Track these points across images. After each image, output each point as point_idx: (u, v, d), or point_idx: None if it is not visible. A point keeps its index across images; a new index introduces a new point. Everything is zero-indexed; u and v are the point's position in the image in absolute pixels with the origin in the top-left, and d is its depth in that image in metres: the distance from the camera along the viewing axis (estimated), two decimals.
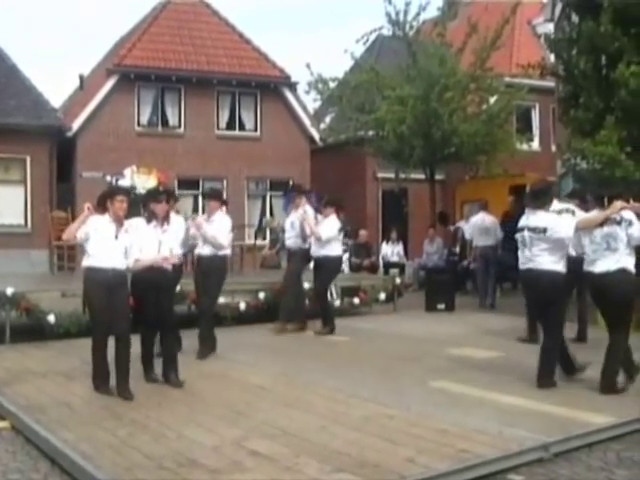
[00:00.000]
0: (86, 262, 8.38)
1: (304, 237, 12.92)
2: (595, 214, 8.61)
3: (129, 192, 9.04)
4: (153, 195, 9.55)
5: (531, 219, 8.59)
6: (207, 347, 10.55)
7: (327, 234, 12.64)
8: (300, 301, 13.24)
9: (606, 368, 8.45)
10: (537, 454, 6.28)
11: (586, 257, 8.56)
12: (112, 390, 8.22)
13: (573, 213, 11.12)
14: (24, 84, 26.16)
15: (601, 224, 8.41)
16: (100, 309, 8.31)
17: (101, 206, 8.42)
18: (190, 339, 10.45)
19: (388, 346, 11.73)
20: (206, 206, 11.06)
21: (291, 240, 13.27)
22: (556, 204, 11.21)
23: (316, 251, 12.87)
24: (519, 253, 8.76)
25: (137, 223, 8.84)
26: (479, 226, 17.29)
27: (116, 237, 8.29)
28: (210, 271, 10.72)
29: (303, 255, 13.17)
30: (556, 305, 8.68)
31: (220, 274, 10.92)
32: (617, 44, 13.88)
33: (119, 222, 8.37)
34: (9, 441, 6.92)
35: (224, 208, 11.18)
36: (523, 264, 8.69)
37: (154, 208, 9.02)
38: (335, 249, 12.93)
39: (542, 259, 8.46)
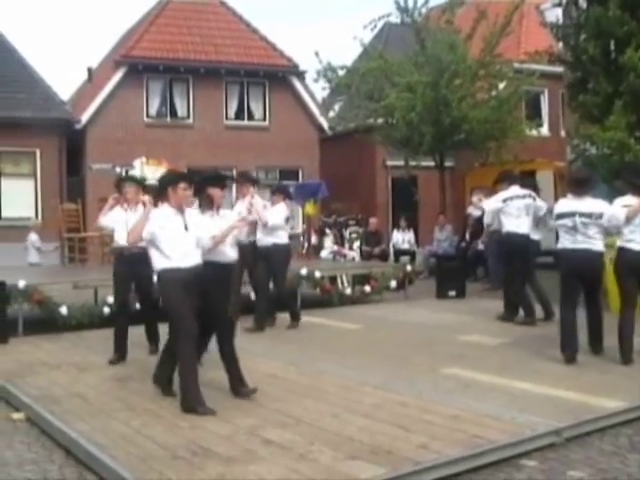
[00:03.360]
0: (162, 264, 7.28)
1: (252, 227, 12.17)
2: (636, 201, 8.99)
3: (193, 178, 7.75)
4: (213, 179, 8.18)
5: (581, 205, 9.11)
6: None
7: (274, 220, 12.00)
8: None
9: (625, 344, 9.07)
10: (549, 439, 6.30)
11: (623, 235, 9.08)
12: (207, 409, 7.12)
13: (534, 199, 11.83)
14: (33, 77, 26.25)
15: None
16: (187, 313, 7.19)
17: (162, 195, 7.42)
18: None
19: (399, 333, 11.73)
20: (239, 190, 10.22)
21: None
22: (518, 190, 11.78)
23: (262, 239, 12.08)
24: (567, 236, 9.22)
25: (194, 213, 7.65)
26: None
27: (186, 229, 7.30)
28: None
29: (254, 249, 12.28)
30: (602, 282, 9.62)
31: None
32: (625, 28, 13.86)
33: (183, 211, 7.37)
34: (24, 432, 6.97)
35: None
36: (576, 244, 9.14)
37: (213, 194, 7.84)
38: (282, 237, 12.16)
39: (596, 241, 9.12)
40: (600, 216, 9.02)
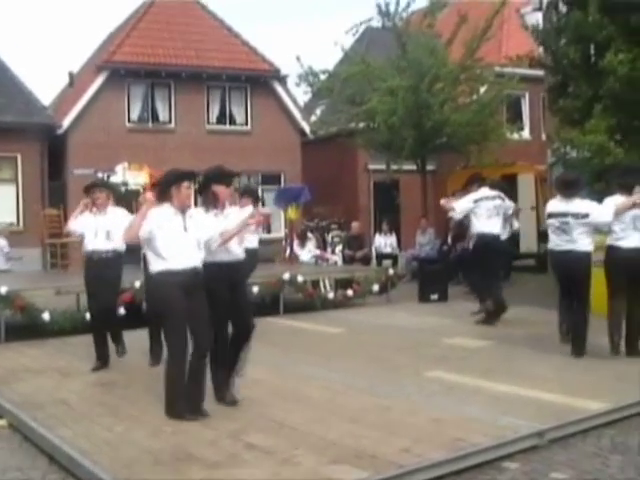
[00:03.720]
0: (158, 265, 6.96)
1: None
2: (623, 200, 9.34)
3: (196, 176, 7.36)
4: (218, 176, 7.53)
5: (570, 206, 9.43)
6: None
7: None
8: None
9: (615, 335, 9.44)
10: (532, 441, 6.33)
11: (613, 234, 9.40)
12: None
13: (503, 199, 12.00)
14: (14, 82, 26.19)
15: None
16: (178, 315, 6.88)
17: (164, 194, 7.05)
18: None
19: (382, 337, 11.75)
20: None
21: None
22: (487, 191, 11.98)
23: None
24: (553, 237, 9.62)
25: (195, 213, 7.27)
26: None
27: (185, 229, 7.00)
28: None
29: None
30: (589, 282, 9.55)
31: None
32: (605, 32, 13.95)
33: (184, 212, 7.05)
34: (7, 439, 6.95)
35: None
36: (560, 246, 9.52)
37: (218, 191, 7.37)
38: (252, 241, 11.55)
39: (582, 242, 9.38)
40: (586, 216, 9.28)
